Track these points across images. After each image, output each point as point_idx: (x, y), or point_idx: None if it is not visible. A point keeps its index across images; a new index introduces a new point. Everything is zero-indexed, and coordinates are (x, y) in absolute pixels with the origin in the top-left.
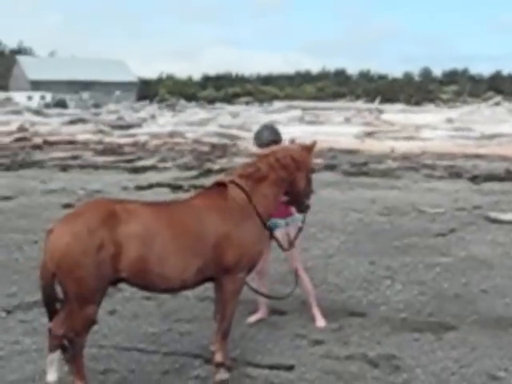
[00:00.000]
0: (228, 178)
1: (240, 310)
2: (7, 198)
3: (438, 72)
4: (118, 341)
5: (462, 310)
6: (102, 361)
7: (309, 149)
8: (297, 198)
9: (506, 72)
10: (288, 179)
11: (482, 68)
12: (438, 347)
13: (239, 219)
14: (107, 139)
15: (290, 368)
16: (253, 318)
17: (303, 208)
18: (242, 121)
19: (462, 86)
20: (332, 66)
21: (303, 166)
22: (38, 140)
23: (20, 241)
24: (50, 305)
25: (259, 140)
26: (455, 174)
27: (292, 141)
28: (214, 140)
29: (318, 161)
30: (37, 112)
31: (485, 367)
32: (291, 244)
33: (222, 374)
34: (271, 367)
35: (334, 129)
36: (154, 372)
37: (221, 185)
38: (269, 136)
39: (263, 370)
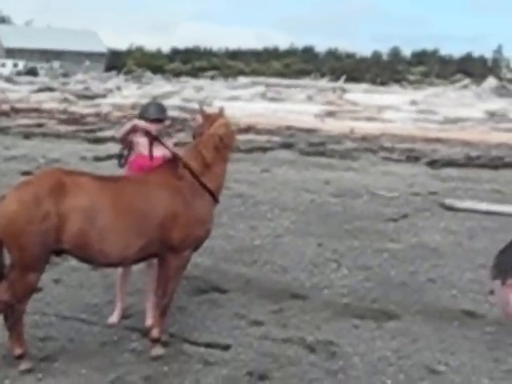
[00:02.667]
0: (180, 160)
1: (183, 285)
2: None
3: (407, 52)
4: (61, 309)
5: (407, 298)
6: (42, 328)
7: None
8: None
9: (476, 54)
10: (230, 153)
11: (454, 49)
12: (378, 336)
13: (190, 198)
14: (72, 108)
15: (226, 348)
16: (114, 318)
17: None
18: (205, 95)
19: (431, 67)
20: (302, 42)
21: None
22: (5, 107)
23: None
24: None
25: (145, 114)
26: (413, 157)
27: (221, 109)
28: (175, 114)
29: (275, 139)
30: (8, 79)
31: (424, 360)
32: None
33: (158, 350)
34: (207, 345)
35: (295, 107)
36: (93, 343)
37: (175, 161)
38: (154, 112)
39: (199, 347)
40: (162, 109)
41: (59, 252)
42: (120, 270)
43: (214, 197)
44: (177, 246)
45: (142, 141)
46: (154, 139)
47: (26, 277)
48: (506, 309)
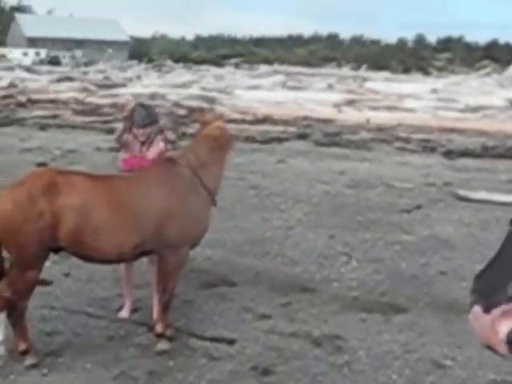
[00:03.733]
0: (179, 157)
1: (190, 278)
2: None
3: (433, 39)
4: (69, 303)
5: (417, 291)
6: (50, 322)
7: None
8: None
9: (503, 40)
10: (226, 155)
11: (479, 36)
12: (386, 329)
13: (185, 196)
14: (89, 99)
15: (232, 342)
16: (124, 313)
17: None
18: (226, 84)
19: (456, 54)
20: (327, 30)
21: None
22: (22, 98)
23: None
24: None
25: (133, 121)
26: (429, 148)
27: (220, 114)
28: (194, 103)
29: (291, 129)
30: (28, 69)
31: (431, 354)
32: None
33: (163, 345)
34: (213, 340)
35: (315, 95)
36: (99, 337)
37: (171, 160)
38: (141, 119)
39: (205, 342)
40: (148, 114)
41: (57, 249)
42: (123, 265)
43: (212, 195)
44: (173, 243)
45: (135, 142)
46: (142, 143)
47: (25, 274)
48: (491, 340)
